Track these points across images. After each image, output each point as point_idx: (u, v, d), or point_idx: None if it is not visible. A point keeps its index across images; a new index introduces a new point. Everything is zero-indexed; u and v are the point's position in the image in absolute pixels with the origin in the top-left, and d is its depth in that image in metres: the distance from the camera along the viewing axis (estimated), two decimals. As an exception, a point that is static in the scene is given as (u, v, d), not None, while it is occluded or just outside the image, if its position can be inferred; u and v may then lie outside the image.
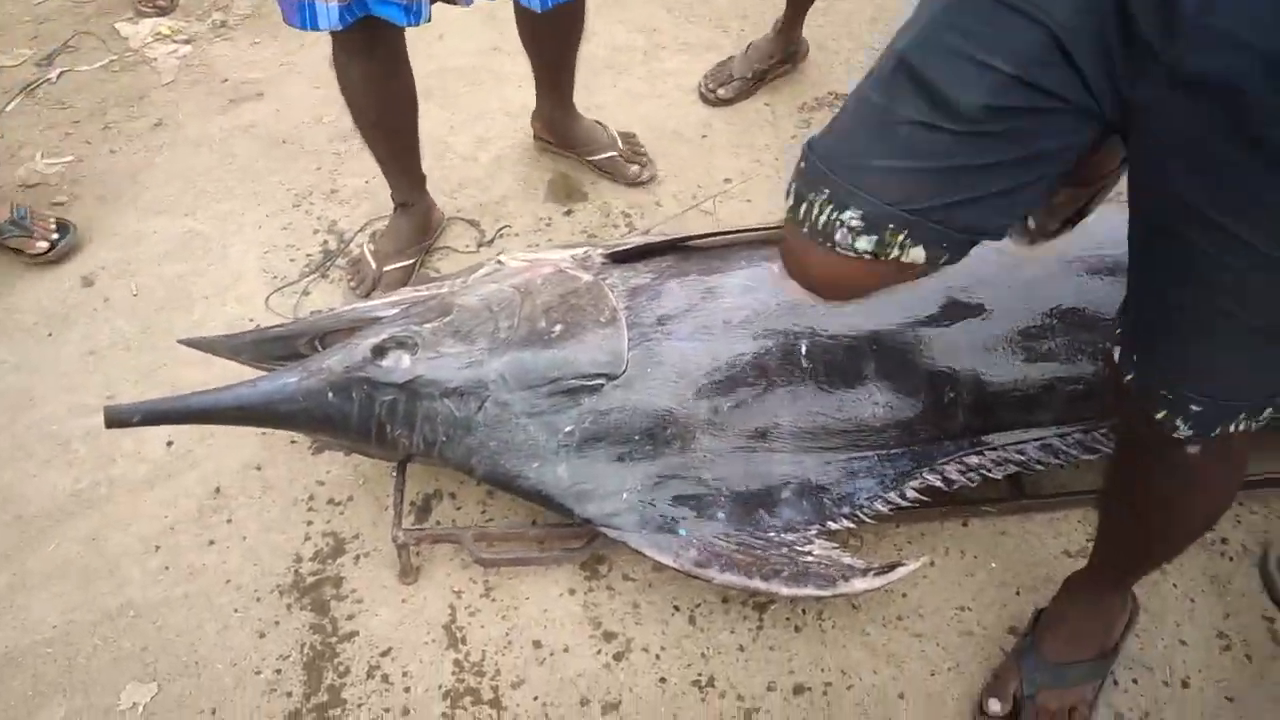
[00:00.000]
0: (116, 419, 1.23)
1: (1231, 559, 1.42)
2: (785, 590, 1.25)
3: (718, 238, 1.49)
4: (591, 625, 1.36)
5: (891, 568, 1.27)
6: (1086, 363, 1.36)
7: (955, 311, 1.37)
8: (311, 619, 1.37)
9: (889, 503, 1.34)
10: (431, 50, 2.26)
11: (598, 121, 2.01)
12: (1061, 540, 1.45)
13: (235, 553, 1.44)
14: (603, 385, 1.29)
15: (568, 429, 1.29)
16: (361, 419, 1.29)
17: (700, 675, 1.33)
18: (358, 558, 1.44)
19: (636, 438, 1.30)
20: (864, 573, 1.26)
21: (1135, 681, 1.31)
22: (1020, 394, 1.36)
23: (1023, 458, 1.38)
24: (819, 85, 2.23)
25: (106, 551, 1.45)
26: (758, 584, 1.25)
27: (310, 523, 1.48)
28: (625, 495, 1.29)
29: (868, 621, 1.37)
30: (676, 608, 1.39)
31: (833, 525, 1.32)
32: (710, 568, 1.26)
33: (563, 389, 1.29)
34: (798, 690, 1.31)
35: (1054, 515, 1.47)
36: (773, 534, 1.30)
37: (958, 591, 1.40)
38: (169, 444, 1.57)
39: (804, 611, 1.38)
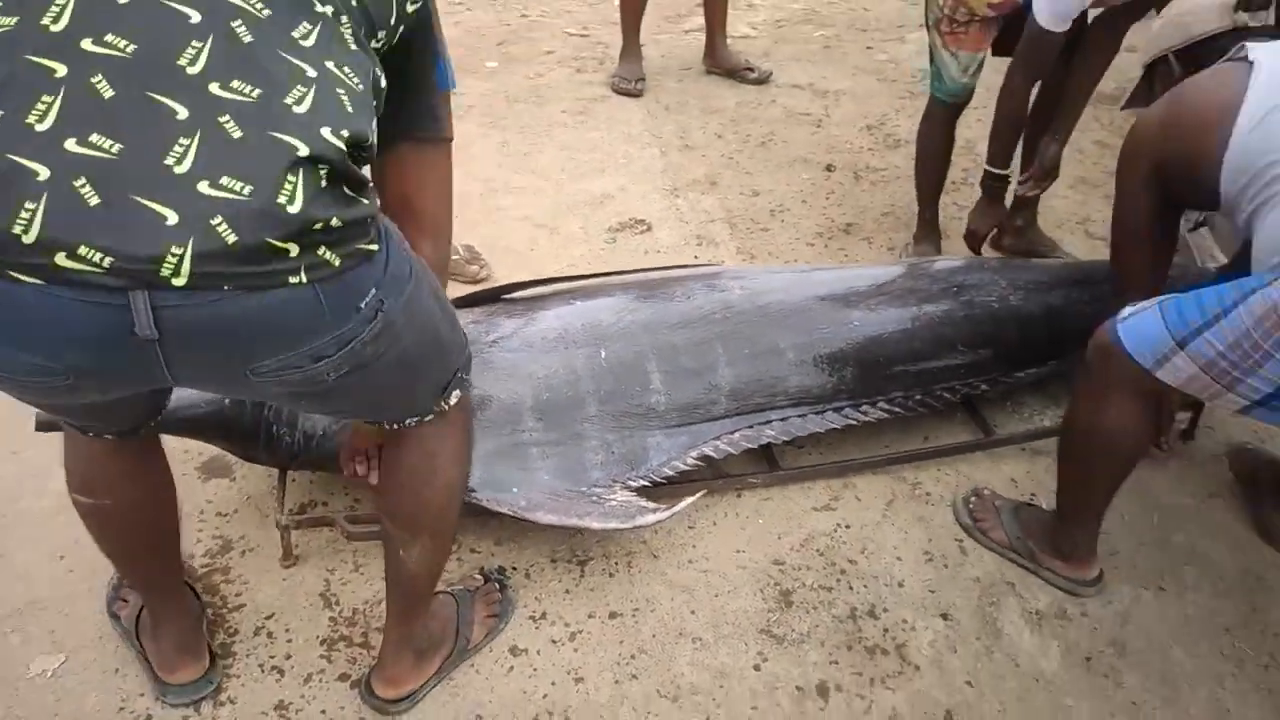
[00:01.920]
0: (44, 424, 1.52)
1: (932, 505, 1.90)
2: (595, 524, 1.63)
3: (536, 286, 1.96)
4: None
5: (672, 505, 1.68)
6: (811, 363, 1.87)
7: (713, 325, 1.87)
8: (205, 599, 1.63)
9: (674, 468, 1.76)
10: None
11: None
12: (810, 499, 1.89)
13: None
14: None
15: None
16: (252, 421, 1.63)
17: (534, 613, 1.65)
18: (244, 552, 1.72)
19: (477, 422, 1.68)
20: (654, 510, 1.66)
21: (865, 586, 1.73)
22: (765, 384, 1.84)
23: (771, 433, 1.84)
24: (624, 213, 2.82)
25: (16, 563, 1.67)
26: (573, 520, 1.63)
27: (201, 530, 1.75)
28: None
29: (666, 565, 1.75)
30: (514, 568, 1.73)
31: (631, 484, 1.72)
32: (537, 511, 1.63)
33: None
34: (612, 615, 1.66)
35: (804, 484, 1.92)
36: (584, 488, 1.69)
37: (734, 539, 1.81)
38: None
39: (615, 561, 1.75)
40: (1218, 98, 1.41)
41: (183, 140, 0.85)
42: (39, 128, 0.83)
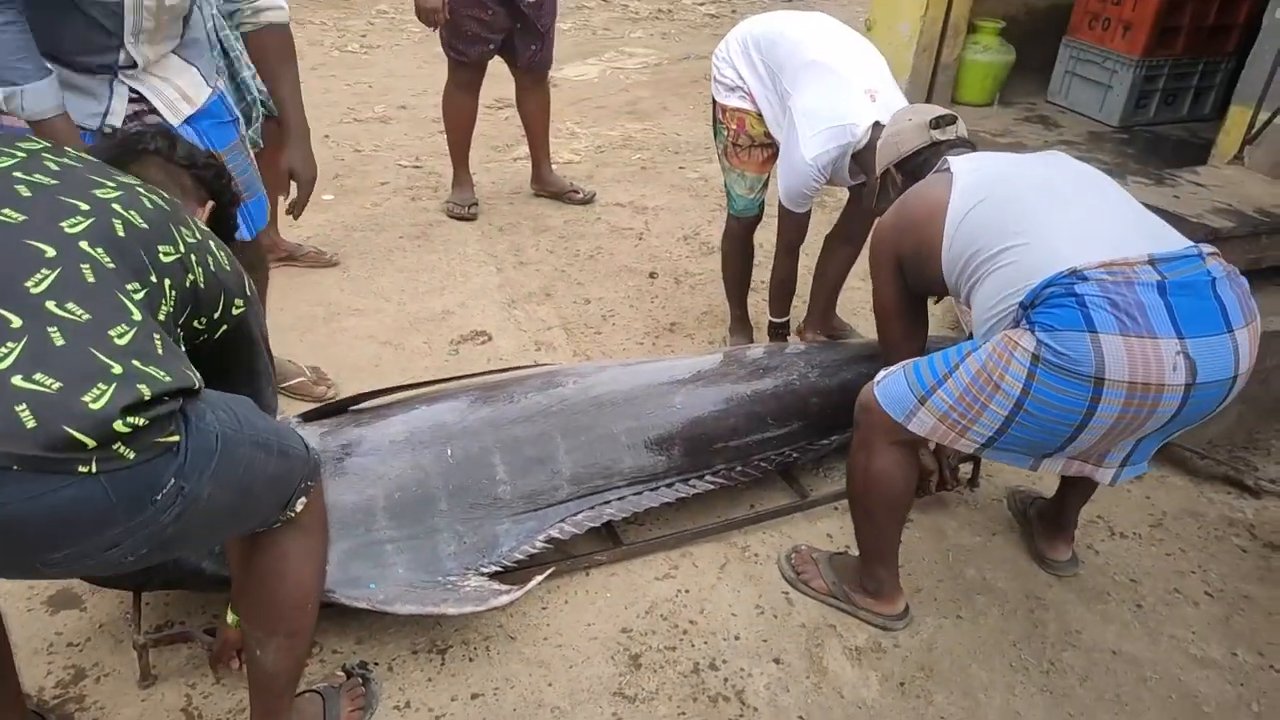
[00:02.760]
0: None
1: (760, 564, 2.11)
2: (452, 609, 1.74)
3: (382, 395, 2.10)
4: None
5: (523, 585, 1.81)
6: (643, 444, 2.07)
7: (551, 417, 2.05)
8: (59, 728, 1.62)
9: (524, 552, 1.91)
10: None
11: (290, 360, 2.58)
12: (652, 570, 2.07)
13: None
14: None
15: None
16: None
17: (399, 703, 1.73)
18: (98, 679, 1.72)
19: (332, 526, 1.77)
20: (507, 591, 1.79)
21: (706, 642, 1.90)
22: (602, 467, 2.03)
23: (611, 511, 2.02)
24: (465, 326, 3.00)
25: None
26: (430, 608, 1.73)
27: (51, 661, 1.74)
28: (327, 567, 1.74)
29: (523, 645, 1.87)
30: (376, 662, 1.80)
31: (484, 570, 1.85)
32: (395, 604, 1.73)
33: None
34: (474, 696, 1.76)
35: (646, 557, 2.10)
36: (439, 577, 1.80)
37: (585, 613, 1.95)
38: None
39: (474, 646, 1.85)
40: (929, 205, 1.77)
41: (10, 343, 0.99)
42: None
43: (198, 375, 1.14)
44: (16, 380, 0.97)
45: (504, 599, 1.78)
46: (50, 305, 1.04)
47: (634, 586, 2.03)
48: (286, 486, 1.31)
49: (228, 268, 1.36)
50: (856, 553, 1.99)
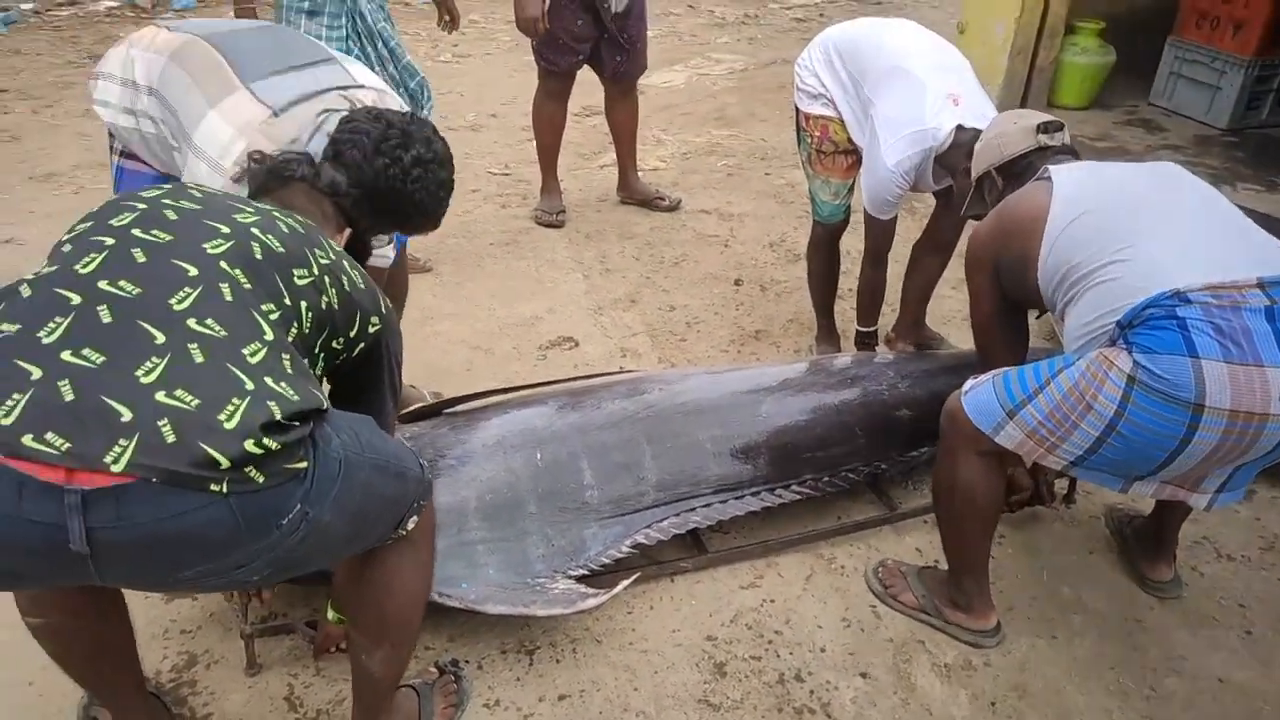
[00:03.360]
0: None
1: (847, 577, 2.10)
2: (540, 611, 1.78)
3: (475, 399, 2.15)
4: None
5: (610, 589, 1.84)
6: (729, 453, 2.08)
7: (639, 424, 2.07)
8: (175, 711, 1.71)
9: (610, 556, 1.93)
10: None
11: (412, 385, 2.63)
12: (737, 579, 2.07)
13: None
14: None
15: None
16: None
17: (488, 701, 1.77)
18: (209, 665, 1.81)
19: None
20: (594, 595, 1.82)
21: (791, 653, 1.90)
22: (688, 475, 2.04)
23: (697, 519, 2.03)
24: (553, 332, 3.05)
25: (-16, 691, 1.74)
26: (520, 609, 1.77)
27: (166, 647, 1.84)
28: None
29: (608, 648, 1.89)
30: (467, 660, 1.85)
31: (571, 573, 1.88)
32: (486, 603, 1.77)
33: None
34: (561, 698, 1.79)
35: (731, 565, 2.10)
36: (528, 579, 1.84)
37: (670, 620, 1.96)
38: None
39: (561, 648, 1.88)
40: (1029, 213, 1.73)
41: (155, 358, 1.07)
42: (44, 340, 1.06)
43: (324, 396, 1.19)
44: (160, 395, 1.04)
45: (591, 602, 1.81)
46: (191, 322, 1.11)
47: (719, 594, 2.03)
48: (401, 507, 1.35)
49: (362, 286, 1.40)
50: (946, 567, 1.96)
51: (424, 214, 1.69)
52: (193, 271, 1.16)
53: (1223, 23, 4.66)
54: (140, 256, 1.16)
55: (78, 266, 1.14)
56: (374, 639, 1.46)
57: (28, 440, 0.99)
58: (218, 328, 1.12)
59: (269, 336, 1.16)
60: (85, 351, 1.05)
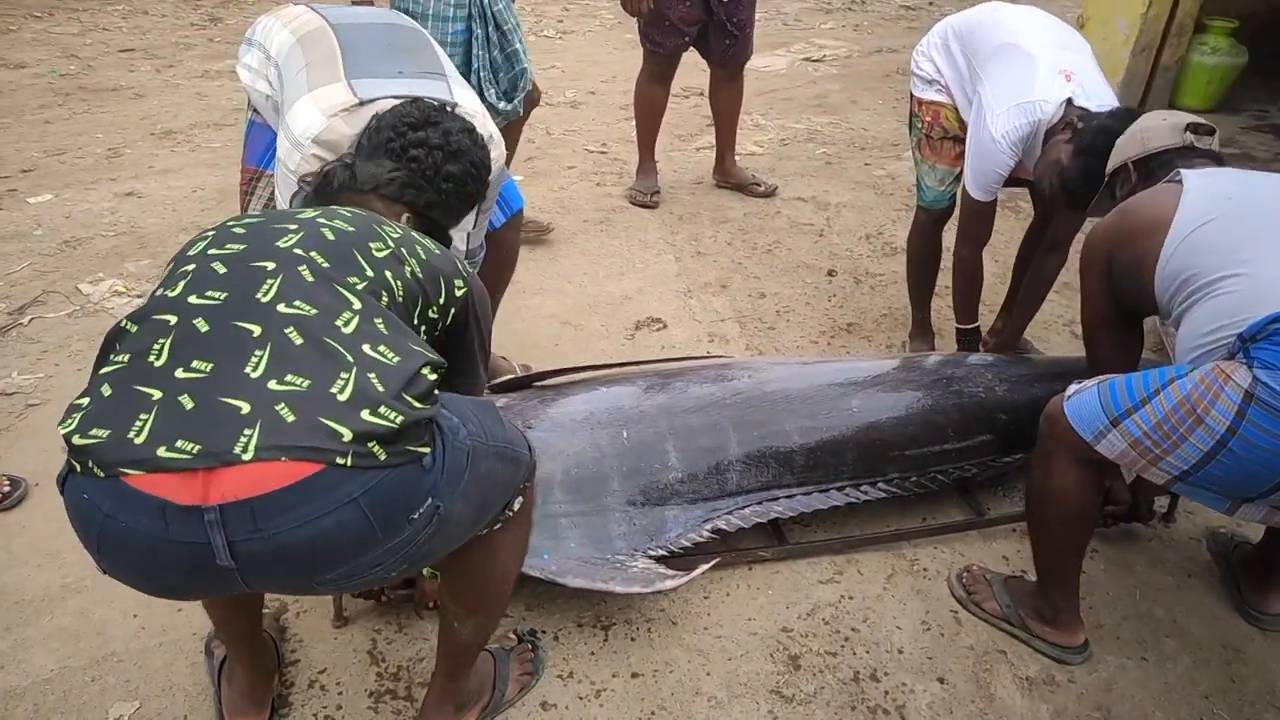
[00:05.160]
0: None
1: (929, 579, 2.06)
2: (619, 588, 1.79)
3: (566, 374, 2.17)
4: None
5: (688, 572, 1.84)
6: (815, 445, 2.06)
7: (726, 409, 2.07)
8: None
9: (690, 539, 1.93)
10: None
11: (503, 357, 2.68)
12: (816, 573, 2.05)
13: (199, 615, 1.85)
14: None
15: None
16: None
17: (562, 672, 1.80)
18: (298, 614, 1.88)
19: None
20: (672, 577, 1.83)
21: (868, 652, 1.87)
22: (772, 464, 2.03)
23: (779, 509, 2.02)
24: (642, 312, 3.05)
25: (94, 620, 1.83)
26: (598, 584, 1.79)
27: (260, 593, 1.92)
28: None
29: (683, 631, 1.90)
30: (544, 630, 1.88)
31: (651, 553, 1.89)
32: (565, 576, 1.79)
33: None
34: (634, 675, 1.80)
35: (810, 559, 2.08)
36: (608, 555, 1.86)
37: (746, 608, 1.96)
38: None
39: (636, 626, 1.90)
40: (1154, 215, 1.65)
41: (257, 352, 1.10)
42: (156, 364, 1.10)
43: (430, 351, 1.21)
44: (272, 384, 1.08)
45: (669, 584, 1.81)
46: (281, 308, 1.15)
47: (797, 587, 2.02)
48: (511, 490, 1.38)
49: (437, 253, 1.43)
50: (1034, 578, 1.90)
51: (450, 203, 1.68)
52: (271, 265, 1.20)
53: (1370, 25, 4.37)
54: (220, 269, 1.21)
55: (167, 292, 1.20)
56: (467, 608, 1.49)
57: (162, 452, 1.04)
58: (306, 307, 1.15)
59: (357, 305, 1.19)
60: (194, 364, 1.10)
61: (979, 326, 2.69)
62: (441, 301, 1.40)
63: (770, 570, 2.05)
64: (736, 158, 4.01)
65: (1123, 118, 2.03)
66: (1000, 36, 2.32)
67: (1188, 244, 1.59)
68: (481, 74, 2.66)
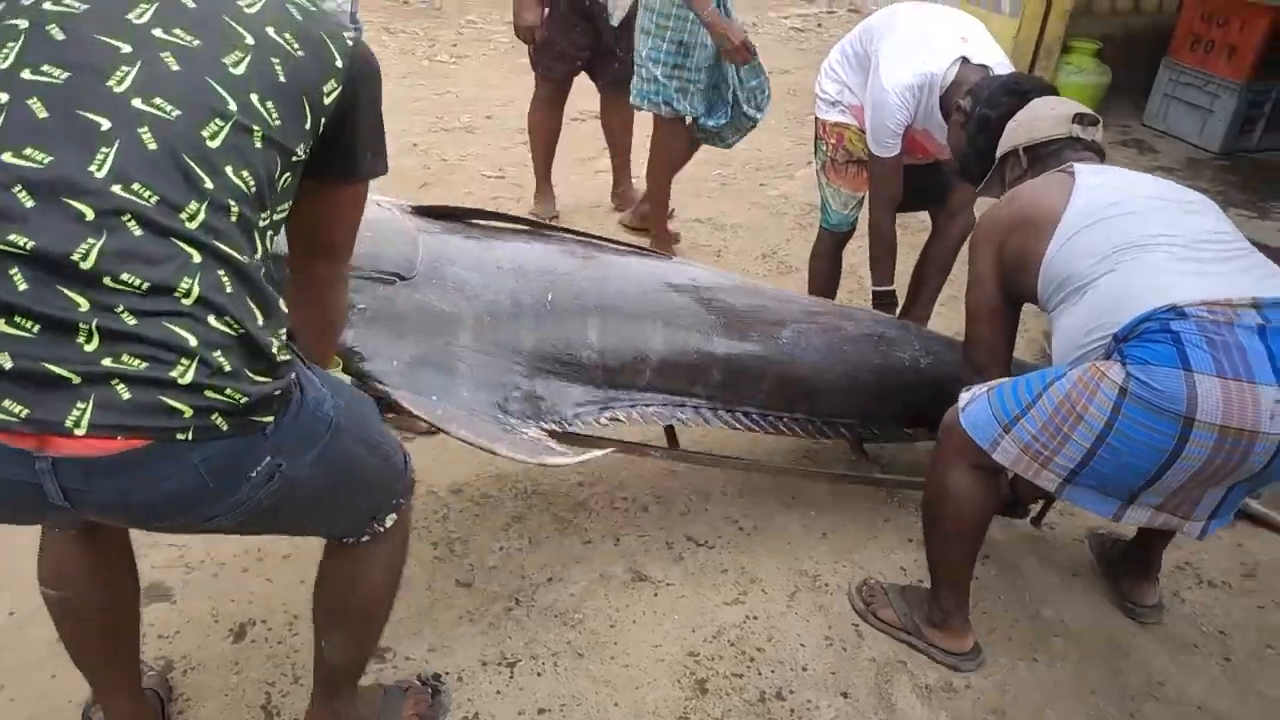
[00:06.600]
0: None
1: (831, 594, 2.09)
2: (504, 451, 1.66)
3: (500, 219, 2.06)
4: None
5: (579, 454, 1.76)
6: (737, 365, 2.05)
7: (658, 304, 2.02)
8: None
9: (587, 423, 1.89)
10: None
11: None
12: (721, 595, 2.07)
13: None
14: (395, 281, 1.71)
15: (360, 305, 1.66)
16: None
17: (467, 714, 1.76)
18: (185, 671, 1.79)
19: (412, 325, 1.70)
20: (561, 453, 1.74)
21: (773, 671, 1.89)
22: (689, 371, 2.01)
23: (682, 416, 2.02)
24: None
25: None
26: (483, 441, 1.66)
27: (143, 652, 1.82)
28: (394, 363, 1.67)
29: (590, 662, 1.88)
30: (447, 672, 1.83)
31: (544, 426, 1.82)
32: (450, 424, 1.65)
33: (363, 275, 1.65)
34: (540, 712, 1.78)
35: (714, 581, 2.09)
36: (500, 414, 1.78)
37: (652, 635, 1.96)
38: (11, 613, 1.88)
39: (542, 661, 1.87)
40: (1044, 209, 1.74)
41: (104, 149, 0.97)
42: None
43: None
44: (117, 189, 0.96)
45: (557, 460, 1.72)
46: (137, 103, 0.99)
47: (702, 609, 2.03)
48: (380, 495, 1.34)
49: (311, 8, 1.16)
50: (929, 584, 1.96)
51: None
52: (127, 49, 1.01)
53: (1217, 46, 4.70)
54: (57, 33, 1.01)
55: None
56: (332, 623, 1.44)
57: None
58: (168, 107, 1.00)
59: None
60: (27, 151, 0.95)
61: (895, 290, 2.71)
62: (329, 71, 1.14)
63: (675, 595, 2.06)
64: (634, 180, 4.04)
65: (1013, 90, 2.07)
66: (895, 20, 2.43)
67: (1072, 245, 1.67)
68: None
